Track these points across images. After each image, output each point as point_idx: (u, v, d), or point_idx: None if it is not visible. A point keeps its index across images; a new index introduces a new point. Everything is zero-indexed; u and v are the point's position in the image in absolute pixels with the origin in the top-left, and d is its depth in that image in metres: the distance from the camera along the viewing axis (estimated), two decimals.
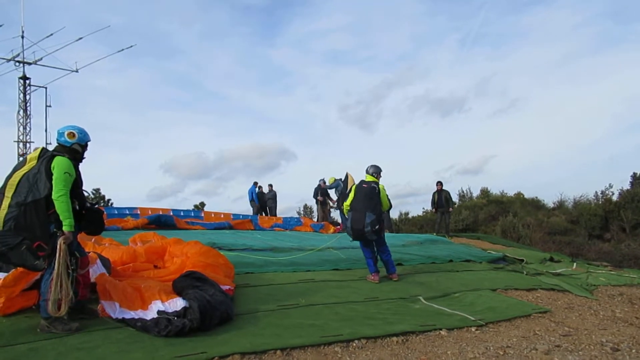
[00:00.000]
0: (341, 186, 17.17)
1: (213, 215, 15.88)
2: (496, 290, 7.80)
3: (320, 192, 18.92)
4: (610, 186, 26.69)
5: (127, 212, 13.47)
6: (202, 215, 15.91)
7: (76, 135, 4.84)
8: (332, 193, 18.80)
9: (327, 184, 18.34)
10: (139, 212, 13.73)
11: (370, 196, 7.79)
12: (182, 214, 15.21)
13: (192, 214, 15.89)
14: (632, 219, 22.37)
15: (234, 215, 16.45)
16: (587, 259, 14.23)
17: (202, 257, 6.58)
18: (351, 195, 8.01)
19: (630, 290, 9.20)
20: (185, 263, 6.44)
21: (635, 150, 48.48)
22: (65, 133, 4.80)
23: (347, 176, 16.92)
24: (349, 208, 7.95)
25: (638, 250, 16.84)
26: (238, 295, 6.11)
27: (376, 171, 8.16)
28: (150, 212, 13.95)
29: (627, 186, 27.42)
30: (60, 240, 4.42)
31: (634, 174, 28.33)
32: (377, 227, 7.63)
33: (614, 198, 25.54)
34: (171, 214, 14.40)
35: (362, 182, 8.06)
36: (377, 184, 8.01)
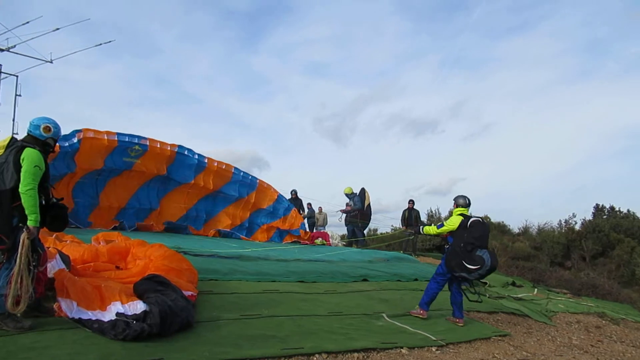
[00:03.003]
0: (357, 202, 16.69)
1: None
2: None
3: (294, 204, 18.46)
4: (574, 215, 27.48)
5: (136, 140, 12.75)
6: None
7: (52, 129, 4.71)
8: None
9: (344, 193, 17.40)
10: (147, 143, 13.03)
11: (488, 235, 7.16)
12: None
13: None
14: (593, 248, 23.02)
15: None
16: (548, 286, 14.50)
17: (166, 260, 6.46)
18: (468, 230, 6.93)
19: (587, 318, 9.41)
20: (148, 266, 6.31)
21: (600, 182, 50.10)
22: (42, 126, 4.66)
23: (363, 192, 16.79)
24: (470, 243, 6.81)
25: (597, 279, 17.30)
26: (201, 302, 6.01)
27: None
28: (159, 145, 13.34)
29: (589, 217, 28.25)
30: (23, 235, 4.28)
31: (597, 205, 29.21)
32: None
33: (577, 227, 26.27)
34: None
35: (476, 217, 7.16)
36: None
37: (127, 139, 12.48)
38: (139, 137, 12.80)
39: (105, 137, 12.02)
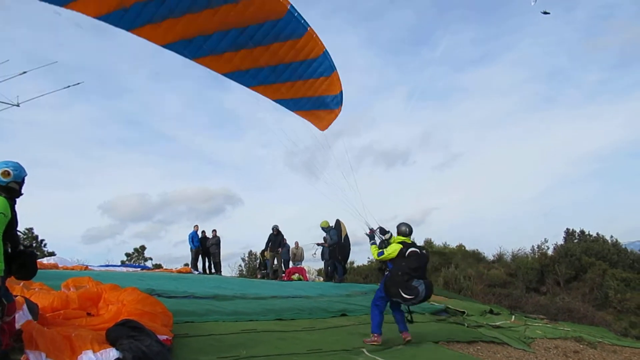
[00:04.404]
0: (333, 234, 16.23)
1: None
2: (438, 342, 7.84)
3: (274, 241, 18.09)
4: (546, 241, 27.87)
5: None
6: None
7: (11, 173, 4.56)
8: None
9: (320, 226, 16.89)
10: None
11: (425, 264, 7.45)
12: None
13: None
14: (566, 273, 23.35)
15: None
16: (525, 312, 14.62)
17: (139, 304, 6.31)
18: (406, 259, 7.21)
19: (565, 343, 9.49)
20: (121, 311, 6.14)
21: (568, 207, 51.29)
22: (0, 172, 4.55)
23: (339, 223, 16.37)
24: (407, 273, 7.11)
25: (572, 303, 17.51)
26: (176, 345, 5.84)
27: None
28: None
29: (560, 241, 28.70)
30: None
31: (567, 229, 29.75)
32: None
33: (549, 252, 26.65)
34: None
35: (415, 248, 7.35)
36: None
37: None
38: None
39: None
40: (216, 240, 20.24)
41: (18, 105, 27.33)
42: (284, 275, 17.92)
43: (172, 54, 7.64)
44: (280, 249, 18.36)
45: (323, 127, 9.84)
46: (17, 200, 4.71)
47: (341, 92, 9.30)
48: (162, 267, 20.75)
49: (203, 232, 20.41)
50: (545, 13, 13.03)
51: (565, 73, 65.18)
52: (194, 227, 20.28)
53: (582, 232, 29.17)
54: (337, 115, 9.77)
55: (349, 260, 18.62)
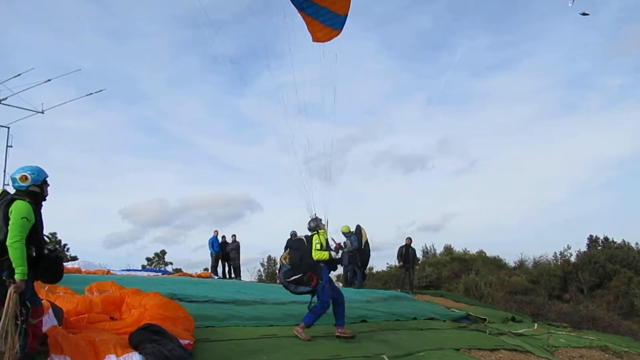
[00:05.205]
0: (354, 240, 16.03)
1: None
2: (460, 349, 7.76)
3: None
4: (569, 247, 27.33)
5: None
6: None
7: (29, 177, 4.62)
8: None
9: (341, 231, 16.62)
10: None
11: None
12: None
13: None
14: (590, 280, 22.89)
15: None
16: (548, 320, 14.37)
17: (161, 309, 6.36)
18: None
19: (590, 352, 9.31)
20: (143, 315, 6.21)
21: (591, 213, 50.28)
22: (18, 177, 4.59)
23: (359, 229, 16.28)
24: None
25: (596, 311, 17.14)
26: (197, 350, 5.88)
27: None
28: None
29: (584, 248, 28.18)
30: (10, 290, 4.20)
31: (590, 236, 29.21)
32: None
33: (572, 259, 26.16)
34: None
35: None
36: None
37: None
38: None
39: None
40: (236, 245, 20.39)
41: (43, 112, 28.00)
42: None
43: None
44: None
45: (316, 39, 9.84)
46: (43, 204, 4.80)
47: (346, 15, 9.38)
48: (182, 271, 20.90)
49: (223, 237, 20.58)
50: (584, 14, 12.74)
51: (586, 79, 64.10)
52: (214, 232, 20.49)
53: (606, 238, 28.64)
54: (335, 36, 9.79)
55: (368, 266, 18.55)
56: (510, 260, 28.25)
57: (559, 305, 19.32)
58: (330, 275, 8.13)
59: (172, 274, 19.86)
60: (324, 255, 7.82)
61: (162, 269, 27.46)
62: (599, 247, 27.74)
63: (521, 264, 27.44)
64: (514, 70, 64.77)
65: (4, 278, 4.26)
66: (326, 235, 7.99)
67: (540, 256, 27.57)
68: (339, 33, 9.47)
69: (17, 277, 4.25)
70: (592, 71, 62.05)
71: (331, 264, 7.94)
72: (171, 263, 30.70)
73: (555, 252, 27.59)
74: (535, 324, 12.15)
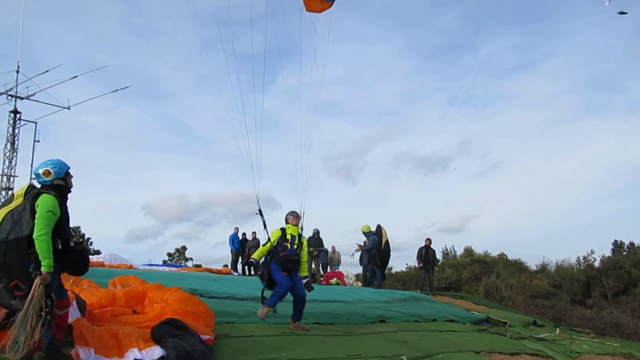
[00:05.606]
0: (374, 240, 16.17)
1: None
2: (480, 352, 7.68)
3: (314, 244, 18.01)
4: (592, 252, 26.77)
5: None
6: None
7: (52, 171, 4.67)
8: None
9: (362, 231, 16.90)
10: None
11: None
12: None
13: None
14: (614, 286, 22.43)
15: None
16: (570, 325, 14.14)
17: (183, 304, 6.44)
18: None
19: (614, 359, 9.12)
20: (165, 309, 6.29)
21: (615, 217, 49.20)
22: (41, 172, 4.66)
23: (380, 229, 16.29)
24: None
25: (620, 318, 16.77)
26: (218, 346, 5.93)
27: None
28: None
29: (608, 253, 27.60)
30: (37, 281, 4.28)
31: (615, 241, 28.62)
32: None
33: (596, 264, 25.67)
34: None
35: None
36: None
37: None
38: None
39: None
40: (256, 243, 20.46)
41: (69, 108, 28.54)
42: (322, 279, 17.95)
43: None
44: (317, 253, 18.45)
45: (309, 9, 9.88)
46: (69, 197, 4.88)
47: None
48: (202, 267, 21.12)
49: (243, 234, 20.71)
50: (622, 13, 12.44)
51: (609, 81, 62.64)
52: (235, 229, 20.61)
53: (632, 244, 28.01)
54: (328, 7, 9.84)
55: (387, 266, 18.51)
56: (532, 263, 27.84)
57: (582, 310, 18.97)
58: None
59: (192, 269, 20.05)
60: (258, 251, 8.31)
61: (183, 264, 27.79)
62: (624, 253, 27.15)
63: (543, 268, 27.01)
64: (536, 72, 63.77)
65: (30, 270, 4.35)
66: (295, 231, 8.23)
67: (563, 260, 27.07)
68: (332, 5, 9.60)
69: (43, 269, 4.33)
70: (615, 73, 60.71)
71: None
72: (191, 259, 31.08)
73: (578, 257, 27.06)
74: (557, 329, 11.95)
